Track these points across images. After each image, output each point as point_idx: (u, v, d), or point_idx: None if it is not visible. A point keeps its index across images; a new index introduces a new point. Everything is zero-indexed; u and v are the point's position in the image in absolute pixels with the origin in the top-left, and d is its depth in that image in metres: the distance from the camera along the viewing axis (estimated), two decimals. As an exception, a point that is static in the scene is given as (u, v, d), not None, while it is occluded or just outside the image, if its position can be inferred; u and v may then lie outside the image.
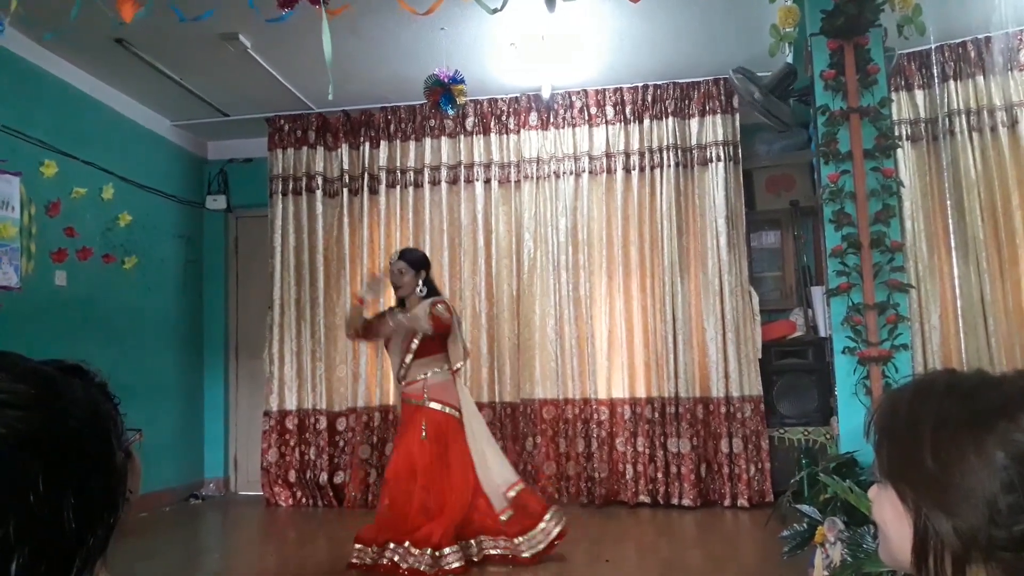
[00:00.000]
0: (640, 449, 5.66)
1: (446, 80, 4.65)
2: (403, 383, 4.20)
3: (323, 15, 3.21)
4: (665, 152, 5.88)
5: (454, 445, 4.06)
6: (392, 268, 4.24)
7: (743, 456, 5.53)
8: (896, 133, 4.82)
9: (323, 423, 6.10)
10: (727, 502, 5.48)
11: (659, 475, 5.60)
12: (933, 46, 5.16)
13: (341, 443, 6.07)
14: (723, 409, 5.59)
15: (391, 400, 6.04)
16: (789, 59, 4.18)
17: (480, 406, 5.87)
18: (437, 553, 3.78)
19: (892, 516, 0.91)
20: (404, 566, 3.76)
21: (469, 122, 6.19)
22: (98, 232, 5.45)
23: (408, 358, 4.15)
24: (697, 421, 5.66)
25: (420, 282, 4.21)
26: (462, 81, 4.70)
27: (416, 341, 4.12)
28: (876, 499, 0.95)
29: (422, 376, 4.13)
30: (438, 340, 4.17)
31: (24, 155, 4.82)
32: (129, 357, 5.64)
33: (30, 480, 0.59)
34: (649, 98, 5.93)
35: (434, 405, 4.08)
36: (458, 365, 4.29)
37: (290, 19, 3.58)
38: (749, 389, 5.58)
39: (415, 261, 4.28)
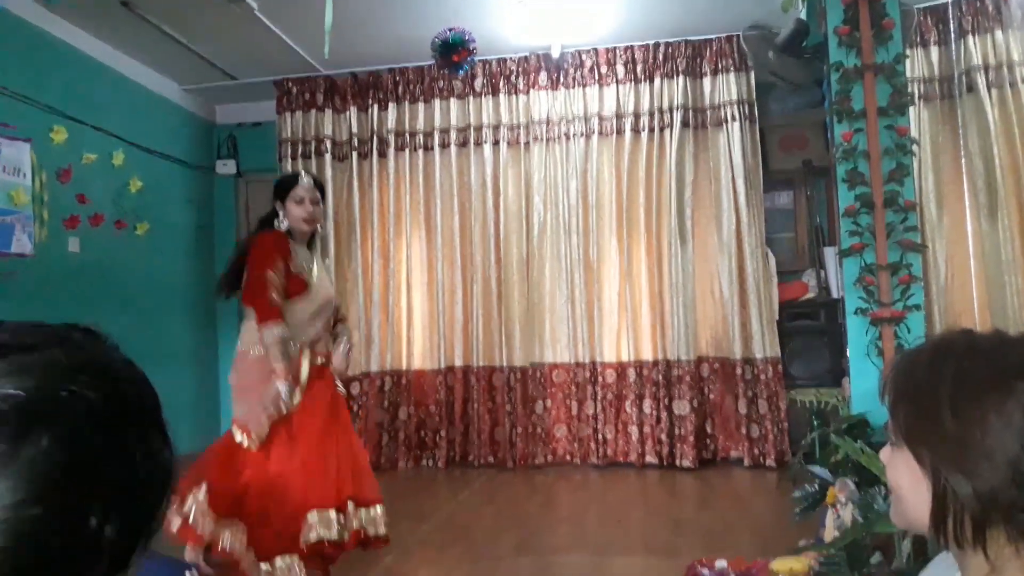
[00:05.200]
0: (648, 411, 5.68)
1: (467, 37, 4.56)
2: (317, 345, 3.37)
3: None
4: (676, 112, 5.80)
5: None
6: (303, 194, 3.28)
7: (768, 416, 5.52)
8: (909, 91, 4.75)
9: (336, 387, 6.13)
10: (748, 462, 5.49)
11: (665, 437, 5.62)
12: (950, 0, 5.05)
13: (355, 407, 6.11)
14: (741, 370, 5.58)
15: (403, 364, 6.07)
16: (803, 15, 4.11)
17: (491, 370, 5.93)
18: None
19: (908, 479, 0.90)
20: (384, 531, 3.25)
21: (478, 83, 6.13)
22: (109, 198, 5.46)
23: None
24: (712, 382, 5.67)
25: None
26: (472, 41, 4.64)
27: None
28: (890, 462, 0.94)
29: (325, 338, 3.44)
30: None
31: (34, 121, 4.81)
32: (143, 323, 5.68)
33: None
34: (660, 56, 5.85)
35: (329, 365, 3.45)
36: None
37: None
38: (769, 350, 5.55)
39: (324, 191, 3.54)
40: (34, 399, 0.56)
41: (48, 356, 0.59)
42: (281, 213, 3.26)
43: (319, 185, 3.37)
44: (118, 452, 0.59)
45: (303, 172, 3.44)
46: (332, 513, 3.03)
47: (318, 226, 3.36)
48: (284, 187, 3.29)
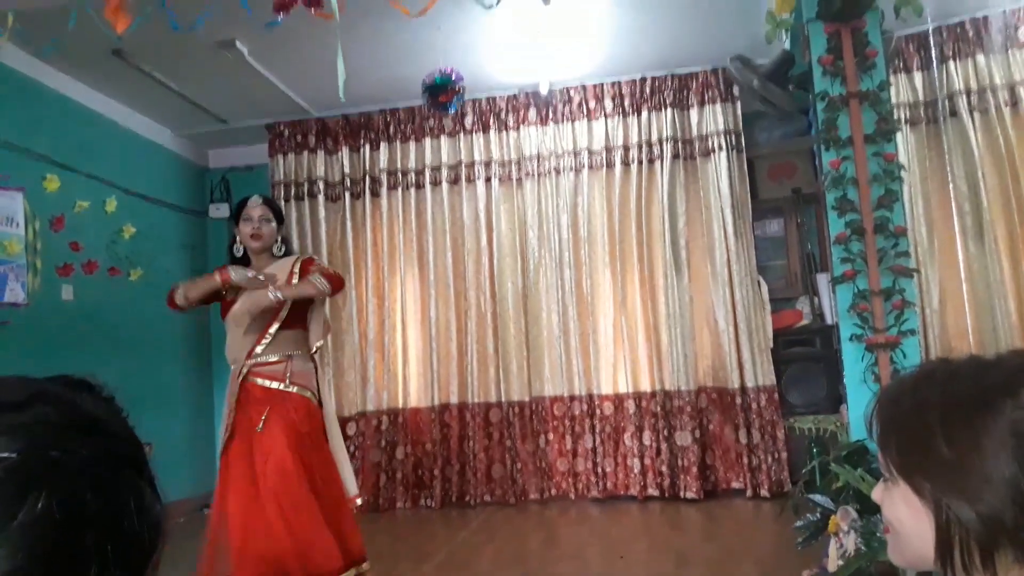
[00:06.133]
0: (647, 443, 5.65)
1: (455, 78, 4.60)
2: (255, 361, 3.28)
3: (338, 39, 3.22)
4: (665, 144, 5.86)
5: (325, 443, 3.34)
6: (251, 212, 3.34)
7: (761, 446, 5.50)
8: (895, 116, 4.80)
9: (333, 428, 6.09)
10: (748, 493, 5.46)
11: (667, 469, 5.58)
12: (931, 27, 5.13)
13: (352, 448, 6.06)
14: (739, 400, 5.57)
15: (400, 403, 6.04)
16: (786, 45, 4.17)
17: (488, 406, 5.90)
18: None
19: (908, 513, 0.88)
20: None
21: (468, 121, 6.19)
22: (102, 245, 5.46)
23: (274, 328, 3.27)
24: (709, 412, 5.65)
25: (280, 238, 3.42)
26: (460, 81, 4.69)
27: (285, 311, 3.28)
28: (886, 499, 0.92)
29: (286, 355, 3.28)
30: (302, 312, 3.39)
31: (26, 170, 4.83)
32: (138, 369, 5.65)
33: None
34: (648, 90, 5.91)
35: (297, 390, 3.27)
36: (318, 344, 3.46)
37: (286, 24, 3.58)
38: (763, 379, 5.55)
39: (279, 211, 3.47)
40: (27, 462, 0.55)
41: (38, 415, 0.58)
42: (237, 237, 3.38)
43: (272, 205, 3.41)
44: (112, 508, 0.58)
45: (256, 194, 3.47)
46: None
47: (274, 248, 3.39)
48: (237, 210, 3.42)
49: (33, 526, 0.53)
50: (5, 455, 0.54)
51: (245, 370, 3.26)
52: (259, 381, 3.25)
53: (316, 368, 3.42)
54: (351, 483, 3.44)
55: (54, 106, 5.17)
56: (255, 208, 3.34)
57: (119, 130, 5.83)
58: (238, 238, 3.37)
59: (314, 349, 3.43)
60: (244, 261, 3.38)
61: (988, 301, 5.13)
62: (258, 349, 3.27)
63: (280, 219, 3.44)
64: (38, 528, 0.53)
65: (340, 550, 3.05)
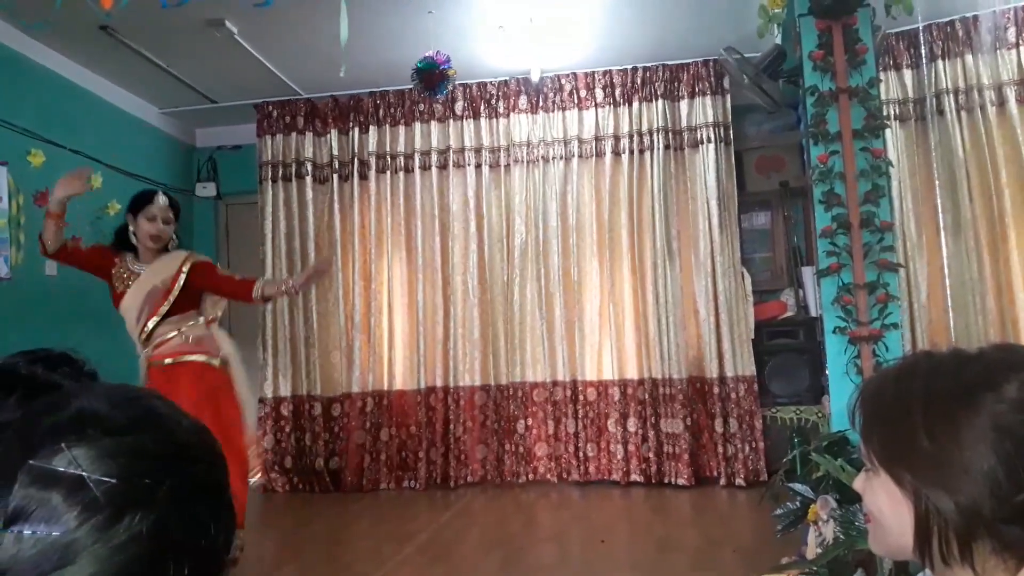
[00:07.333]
0: (632, 429, 5.69)
1: (442, 63, 4.59)
2: (149, 344, 3.51)
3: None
4: (655, 135, 5.87)
5: (225, 401, 3.44)
6: (156, 212, 3.41)
7: (738, 435, 5.56)
8: (884, 113, 4.83)
9: (318, 409, 6.10)
10: (723, 481, 5.52)
11: (651, 455, 5.63)
12: (921, 25, 5.16)
13: (336, 428, 6.08)
14: (717, 389, 5.62)
15: (385, 385, 6.05)
16: (778, 40, 4.19)
17: (473, 389, 5.92)
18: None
19: (888, 503, 0.90)
20: None
21: (458, 106, 6.17)
22: (87, 221, 5.40)
23: (162, 310, 3.46)
24: (691, 401, 5.70)
25: (175, 234, 3.55)
26: (448, 64, 4.67)
27: (172, 298, 3.44)
28: (867, 489, 0.94)
29: (174, 332, 3.46)
30: (196, 296, 3.56)
31: (10, 144, 4.78)
32: (122, 347, 5.59)
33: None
34: (639, 80, 5.92)
35: (194, 357, 3.43)
36: (217, 314, 3.65)
37: (276, 5, 3.56)
38: (743, 369, 5.61)
39: (179, 210, 3.56)
40: (124, 487, 0.60)
41: (137, 443, 0.63)
42: (132, 228, 3.41)
43: (175, 205, 3.46)
44: (194, 533, 0.63)
45: (160, 192, 3.47)
46: None
47: (172, 240, 3.47)
48: (138, 203, 3.42)
49: (124, 546, 0.58)
50: (106, 480, 0.59)
51: (150, 353, 3.42)
52: (157, 363, 3.41)
53: (214, 333, 3.52)
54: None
55: (40, 80, 5.12)
56: (161, 210, 3.38)
57: (106, 106, 5.77)
58: (132, 228, 3.40)
59: (211, 317, 3.56)
60: (132, 249, 3.47)
61: (963, 298, 5.19)
62: (143, 334, 3.44)
63: (178, 218, 3.51)
64: (128, 548, 0.59)
65: None
